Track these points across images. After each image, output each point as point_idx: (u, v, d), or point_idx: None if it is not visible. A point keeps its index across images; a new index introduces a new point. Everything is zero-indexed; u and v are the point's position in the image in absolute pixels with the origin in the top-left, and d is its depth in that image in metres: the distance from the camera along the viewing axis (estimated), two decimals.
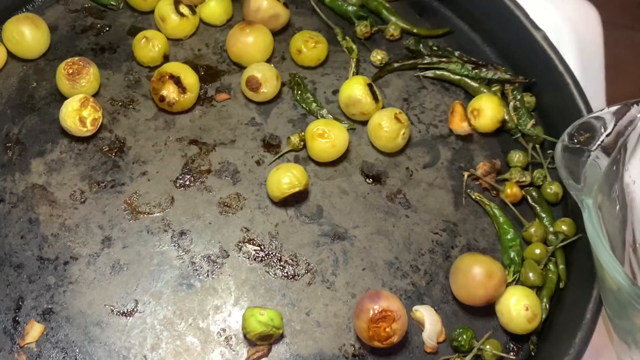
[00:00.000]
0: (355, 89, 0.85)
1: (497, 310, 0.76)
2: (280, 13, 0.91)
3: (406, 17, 0.95)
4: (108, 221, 0.80)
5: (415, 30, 0.94)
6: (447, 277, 0.78)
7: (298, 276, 0.78)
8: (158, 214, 0.81)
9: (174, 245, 0.79)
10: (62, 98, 0.85)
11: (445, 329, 0.76)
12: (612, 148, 0.66)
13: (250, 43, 0.88)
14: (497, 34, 0.92)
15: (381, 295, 0.72)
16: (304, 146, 0.85)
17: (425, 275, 0.79)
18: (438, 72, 0.91)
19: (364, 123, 0.87)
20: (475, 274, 0.74)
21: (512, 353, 0.76)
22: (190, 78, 0.85)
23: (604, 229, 0.63)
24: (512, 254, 0.79)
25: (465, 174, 0.84)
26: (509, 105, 0.88)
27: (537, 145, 0.86)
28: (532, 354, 0.75)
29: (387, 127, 0.83)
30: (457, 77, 0.90)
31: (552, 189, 0.83)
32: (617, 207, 0.67)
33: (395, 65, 0.91)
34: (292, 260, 0.79)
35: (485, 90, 0.89)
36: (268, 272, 0.78)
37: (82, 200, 0.81)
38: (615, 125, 0.67)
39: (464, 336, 0.74)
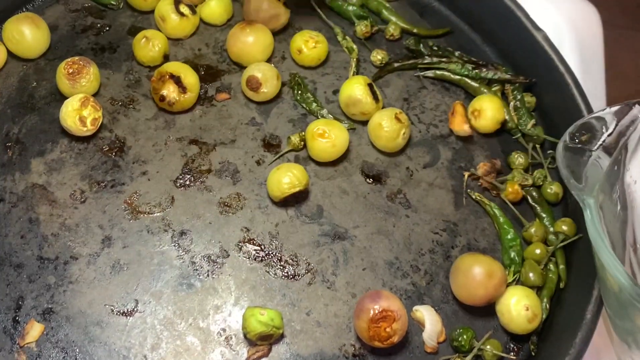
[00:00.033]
0: (355, 89, 0.85)
1: (497, 310, 0.76)
2: (281, 13, 0.91)
3: (406, 17, 0.95)
4: (108, 221, 0.80)
5: (415, 30, 0.94)
6: (448, 277, 0.78)
7: (298, 276, 0.78)
8: (158, 214, 0.81)
9: (174, 245, 0.79)
10: (62, 98, 0.85)
11: (445, 329, 0.76)
12: (614, 148, 0.66)
13: (250, 43, 0.88)
14: (497, 34, 0.92)
15: (381, 295, 0.72)
16: (304, 146, 0.85)
17: (425, 275, 0.79)
18: (438, 72, 0.91)
19: (364, 123, 0.87)
20: (475, 274, 0.74)
21: (512, 353, 0.76)
22: (190, 78, 0.85)
23: (605, 229, 0.63)
24: (513, 254, 0.79)
25: (466, 174, 0.84)
26: (509, 105, 0.88)
27: (538, 146, 0.86)
28: (533, 354, 0.75)
29: (387, 127, 0.83)
30: (458, 77, 0.90)
31: (553, 189, 0.83)
32: (618, 207, 0.67)
33: (396, 65, 0.91)
34: (292, 260, 0.79)
35: (485, 91, 0.89)
36: (268, 272, 0.78)
37: (82, 200, 0.81)
38: (616, 125, 0.67)
39: (464, 336, 0.74)
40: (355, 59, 0.91)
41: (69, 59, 0.85)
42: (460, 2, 0.95)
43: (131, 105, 0.87)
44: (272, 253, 0.79)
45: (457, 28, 0.95)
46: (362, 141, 0.86)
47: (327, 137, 0.82)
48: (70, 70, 0.84)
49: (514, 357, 0.75)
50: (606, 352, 0.78)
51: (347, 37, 0.93)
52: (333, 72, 0.91)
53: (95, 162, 0.83)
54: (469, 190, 0.84)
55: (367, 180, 0.84)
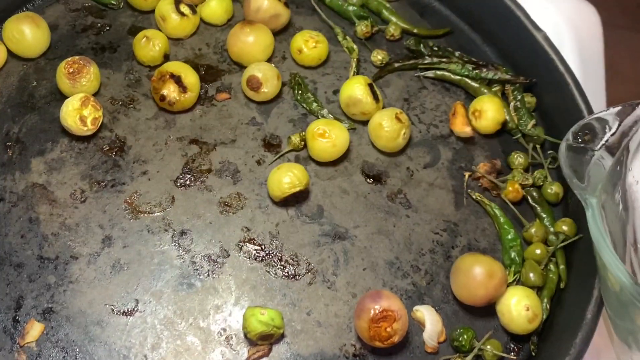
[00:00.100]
0: (355, 89, 0.85)
1: (497, 311, 0.76)
2: (281, 13, 0.91)
3: (406, 17, 0.95)
4: (108, 220, 0.80)
5: (415, 31, 0.94)
6: (448, 277, 0.78)
7: (299, 276, 0.78)
8: (158, 214, 0.81)
9: (175, 245, 0.79)
10: (62, 97, 0.85)
11: (445, 329, 0.76)
12: (616, 148, 0.66)
13: (250, 42, 0.88)
14: (497, 34, 0.92)
15: (382, 295, 0.72)
16: (305, 146, 0.85)
17: (425, 275, 0.79)
18: (438, 72, 0.91)
19: (365, 123, 0.87)
20: (476, 274, 0.74)
21: (512, 353, 0.76)
22: (190, 77, 0.85)
23: (607, 229, 0.63)
24: (513, 254, 0.79)
25: (466, 174, 0.84)
26: (510, 105, 0.88)
27: (538, 146, 0.86)
28: (533, 354, 0.75)
29: (387, 127, 0.83)
30: (458, 77, 0.90)
31: (553, 189, 0.83)
32: (620, 207, 0.67)
33: (396, 65, 0.91)
34: (292, 260, 0.79)
35: (485, 91, 0.89)
36: (269, 271, 0.78)
37: (83, 199, 0.81)
38: (619, 125, 0.67)
39: (465, 336, 0.74)
40: (355, 59, 0.91)
41: (69, 59, 0.85)
42: (461, 2, 0.95)
43: (131, 105, 0.87)
44: (272, 253, 0.79)
45: (458, 28, 0.95)
46: (363, 141, 0.86)
47: (328, 137, 0.82)
48: (71, 70, 0.84)
49: (514, 357, 0.75)
50: (606, 352, 0.78)
51: (347, 37, 0.93)
52: (333, 72, 0.91)
53: (96, 161, 0.83)
54: (469, 190, 0.84)
55: (368, 180, 0.84)
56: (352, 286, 0.78)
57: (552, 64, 0.86)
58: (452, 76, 0.90)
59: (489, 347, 0.74)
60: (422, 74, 0.91)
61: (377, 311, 0.71)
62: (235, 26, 0.89)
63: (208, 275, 0.77)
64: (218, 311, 0.76)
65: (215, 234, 0.80)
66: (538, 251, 0.78)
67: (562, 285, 0.78)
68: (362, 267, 0.79)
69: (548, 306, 0.77)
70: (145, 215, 0.80)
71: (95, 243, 0.79)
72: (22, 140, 0.84)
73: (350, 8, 0.94)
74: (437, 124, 0.88)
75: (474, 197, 0.83)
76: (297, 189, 0.79)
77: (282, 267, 0.78)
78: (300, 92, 0.88)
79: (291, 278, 0.78)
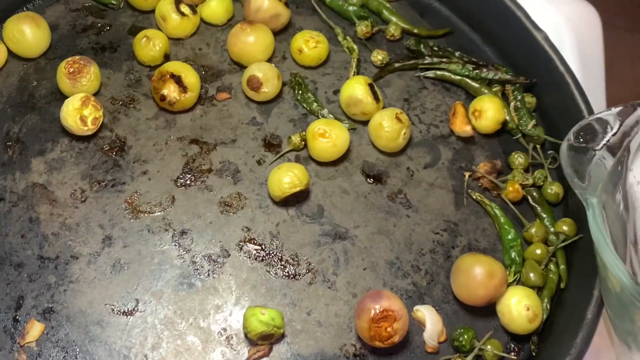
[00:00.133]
0: (356, 89, 0.85)
1: (498, 311, 0.76)
2: (281, 13, 0.91)
3: (407, 18, 0.95)
4: (109, 220, 0.80)
5: (415, 31, 0.94)
6: (448, 277, 0.78)
7: (299, 276, 0.78)
8: (159, 213, 0.81)
9: (175, 245, 0.79)
10: (62, 97, 0.85)
11: (446, 329, 0.76)
12: (618, 148, 0.66)
13: (251, 42, 0.88)
14: (497, 34, 0.92)
15: (382, 295, 0.72)
16: (305, 146, 0.85)
17: (426, 275, 0.79)
18: (439, 72, 0.91)
19: (365, 123, 0.87)
20: (476, 274, 0.74)
21: (513, 353, 0.76)
22: (191, 77, 0.85)
23: (607, 228, 0.63)
24: (513, 254, 0.79)
25: (467, 174, 0.84)
26: (510, 105, 0.88)
27: (538, 146, 0.86)
28: (533, 354, 0.75)
29: (388, 127, 0.83)
30: (458, 77, 0.90)
31: (553, 189, 0.83)
32: (621, 207, 0.67)
33: (396, 65, 0.91)
34: (293, 259, 0.79)
35: (486, 91, 0.89)
36: (269, 271, 0.78)
37: (83, 199, 0.81)
38: (620, 125, 0.67)
39: (465, 336, 0.74)
40: (355, 59, 0.91)
41: (69, 59, 0.85)
42: (461, 2, 0.95)
43: (132, 105, 0.87)
44: (272, 253, 0.79)
45: (458, 29, 0.95)
46: (363, 141, 0.86)
47: (328, 137, 0.82)
48: (71, 70, 0.84)
49: (515, 357, 0.75)
50: (606, 352, 0.78)
51: (347, 37, 0.93)
52: (334, 72, 0.91)
53: (96, 161, 0.83)
54: (469, 190, 0.84)
55: (368, 180, 0.84)
56: (352, 286, 0.78)
57: (552, 64, 0.86)
58: (453, 76, 0.90)
59: (489, 347, 0.74)
60: (423, 74, 0.91)
61: (377, 311, 0.71)
62: (236, 26, 0.89)
63: (208, 275, 0.77)
64: (218, 311, 0.76)
65: (216, 233, 0.80)
66: (538, 251, 0.78)
67: (562, 285, 0.78)
68: (363, 267, 0.79)
69: (548, 306, 0.77)
70: (146, 215, 0.80)
71: (95, 243, 0.79)
72: (22, 140, 0.84)
73: (351, 8, 0.94)
74: (437, 124, 0.88)
75: (474, 197, 0.83)
76: (298, 188, 0.79)
77: (282, 267, 0.78)
78: (300, 92, 0.88)
79: (291, 278, 0.78)
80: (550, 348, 0.74)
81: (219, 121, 0.87)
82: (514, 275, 0.78)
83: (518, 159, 0.84)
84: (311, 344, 0.75)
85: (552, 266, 0.78)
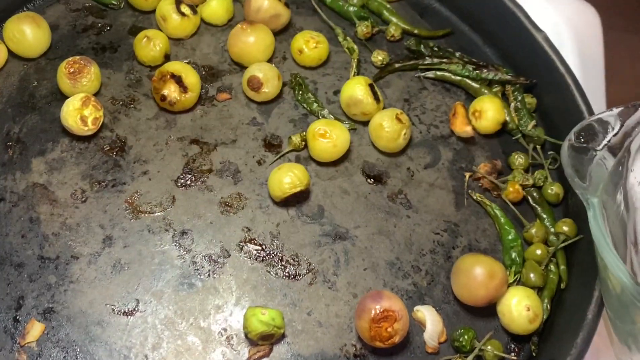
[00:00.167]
0: (356, 89, 0.85)
1: (498, 311, 0.76)
2: (281, 13, 0.91)
3: (407, 18, 0.95)
4: (109, 220, 0.80)
5: (416, 31, 0.94)
6: (449, 277, 0.78)
7: (299, 276, 0.78)
8: (159, 214, 0.81)
9: (175, 245, 0.79)
10: (62, 97, 0.85)
11: (446, 329, 0.76)
12: (619, 148, 0.66)
13: (251, 43, 0.88)
14: (498, 35, 0.92)
15: (383, 295, 0.72)
16: (305, 146, 0.85)
17: (426, 275, 0.79)
18: (439, 72, 0.91)
19: (365, 123, 0.87)
20: (476, 275, 0.74)
21: (513, 354, 0.76)
22: (191, 77, 0.85)
23: (608, 229, 0.63)
24: (513, 255, 0.79)
25: (467, 175, 0.85)
26: (510, 106, 0.88)
27: (538, 146, 0.86)
28: (534, 354, 0.75)
29: (388, 127, 0.83)
30: (458, 78, 0.90)
31: (553, 190, 0.83)
32: (622, 208, 0.67)
33: (396, 65, 0.91)
34: (293, 260, 0.79)
35: (486, 92, 0.89)
36: (269, 271, 0.78)
37: (83, 199, 0.81)
38: (621, 126, 0.67)
39: (465, 336, 0.74)
40: (356, 60, 0.91)
41: (70, 59, 0.85)
42: (461, 3, 0.95)
43: (132, 105, 0.87)
44: (273, 253, 0.79)
45: (458, 29, 0.95)
46: (363, 141, 0.86)
47: (328, 137, 0.82)
48: (71, 70, 0.84)
49: (515, 358, 0.75)
50: (606, 353, 0.78)
51: (347, 38, 0.93)
52: (334, 72, 0.91)
53: (96, 161, 0.83)
54: (469, 190, 0.84)
55: (368, 180, 0.84)
56: (352, 286, 0.78)
57: (552, 64, 0.86)
58: (453, 77, 0.90)
59: (489, 347, 0.74)
60: (423, 74, 0.91)
61: (378, 311, 0.71)
62: (236, 26, 0.89)
63: (209, 275, 0.77)
64: (219, 311, 0.76)
65: (216, 234, 0.80)
66: (539, 251, 0.79)
67: (562, 285, 0.78)
68: (363, 267, 0.79)
69: (549, 306, 0.77)
70: (146, 215, 0.80)
71: (95, 243, 0.78)
72: (22, 140, 0.84)
73: (351, 9, 0.94)
74: (437, 124, 0.88)
75: (475, 197, 0.84)
76: (298, 189, 0.79)
77: (282, 267, 0.78)
78: (300, 92, 0.89)
79: (292, 278, 0.78)
80: (551, 348, 0.74)
81: (220, 121, 0.87)
82: (515, 275, 0.78)
83: (518, 159, 0.85)
84: (311, 344, 0.75)
85: (552, 266, 0.79)
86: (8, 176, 0.82)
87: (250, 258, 0.79)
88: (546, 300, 0.77)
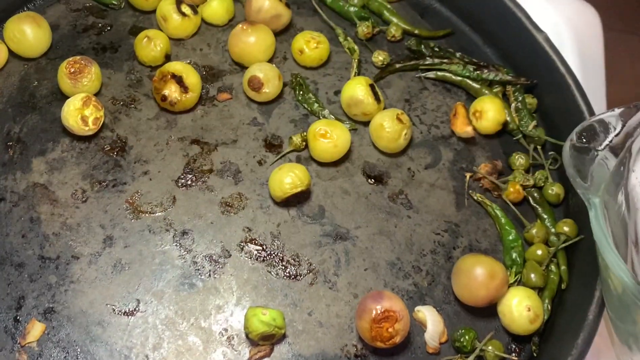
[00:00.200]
0: (357, 90, 0.85)
1: (499, 311, 0.76)
2: (282, 13, 0.91)
3: (407, 18, 0.95)
4: (109, 220, 0.80)
5: (416, 32, 0.94)
6: (449, 277, 0.78)
7: (300, 276, 0.78)
8: (160, 214, 0.81)
9: (176, 245, 0.79)
10: (63, 97, 0.85)
11: (447, 329, 0.76)
12: (620, 149, 0.66)
13: (252, 43, 0.88)
14: (498, 35, 0.92)
15: (384, 296, 0.72)
16: (306, 146, 0.85)
17: (427, 275, 0.79)
18: (439, 73, 0.91)
19: (366, 124, 0.87)
20: (477, 275, 0.74)
21: (514, 354, 0.76)
22: (192, 78, 0.85)
23: (609, 229, 0.63)
24: (514, 255, 0.79)
25: (468, 175, 0.85)
26: (511, 106, 0.88)
27: (539, 147, 0.86)
28: (534, 354, 0.75)
29: (389, 127, 0.83)
30: (459, 78, 0.90)
31: (554, 190, 0.83)
32: (623, 208, 0.67)
33: (397, 66, 0.91)
34: (294, 260, 0.79)
35: (486, 92, 0.89)
36: (270, 272, 0.78)
37: (84, 199, 0.81)
38: (623, 126, 0.67)
39: (466, 337, 0.74)
40: (356, 60, 0.91)
41: (70, 59, 0.85)
42: (461, 3, 0.95)
43: (133, 105, 0.87)
44: (273, 253, 0.79)
45: (458, 29, 0.95)
46: (364, 142, 0.86)
47: (329, 137, 0.82)
48: (72, 70, 0.84)
49: (516, 358, 0.75)
50: (607, 353, 0.78)
51: (348, 38, 0.93)
52: (334, 72, 0.91)
53: (97, 161, 0.83)
54: (470, 191, 0.84)
55: (369, 180, 0.84)
56: (353, 287, 0.78)
57: (553, 65, 0.86)
58: (453, 77, 0.90)
59: (490, 347, 0.74)
60: (423, 74, 0.91)
61: (379, 311, 0.71)
62: (237, 27, 0.89)
63: (209, 275, 0.77)
64: (219, 311, 0.76)
65: (217, 234, 0.80)
66: (539, 252, 0.79)
67: (563, 286, 0.78)
68: (364, 267, 0.79)
69: (549, 307, 0.77)
70: (147, 215, 0.80)
71: (96, 243, 0.78)
72: (23, 140, 0.84)
73: (351, 9, 0.94)
74: (438, 124, 0.88)
75: (475, 197, 0.84)
76: (299, 189, 0.79)
77: (283, 268, 0.78)
78: (301, 92, 0.88)
79: (292, 278, 0.78)
80: (552, 349, 0.74)
81: (220, 121, 0.87)
82: (515, 276, 0.78)
83: (519, 159, 0.85)
84: (312, 344, 0.75)
85: (553, 267, 0.79)
86: (8, 176, 0.82)
87: (251, 258, 0.79)
88: (547, 301, 0.77)
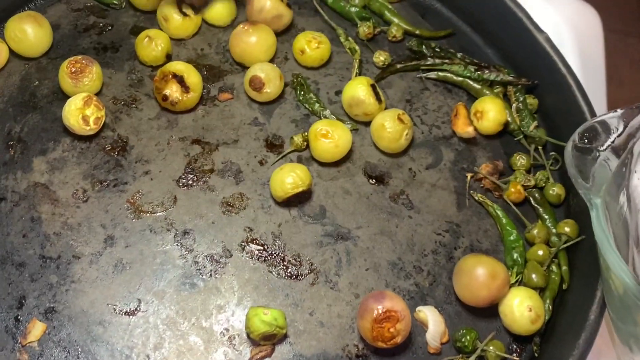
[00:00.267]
0: (358, 90, 0.85)
1: (500, 311, 0.76)
2: (284, 13, 0.91)
3: (408, 19, 0.95)
4: (110, 220, 0.80)
5: (417, 32, 0.94)
6: (451, 278, 0.78)
7: (301, 276, 0.78)
8: (161, 213, 0.80)
9: (177, 245, 0.79)
10: (64, 97, 0.85)
11: (448, 329, 0.76)
12: (622, 150, 0.66)
13: (253, 43, 0.88)
14: (499, 35, 0.92)
15: (385, 296, 0.72)
16: (307, 146, 0.85)
17: (428, 276, 0.79)
18: (441, 73, 0.91)
19: (367, 124, 0.87)
20: (478, 275, 0.74)
21: (515, 354, 0.76)
22: (193, 77, 0.85)
23: (611, 229, 0.63)
24: (515, 255, 0.79)
25: (469, 175, 0.85)
26: (512, 107, 0.88)
27: (540, 147, 0.86)
28: (536, 355, 0.75)
29: (390, 127, 0.83)
30: (460, 78, 0.90)
31: (555, 191, 0.83)
32: (625, 209, 0.67)
33: (398, 66, 0.91)
34: (295, 260, 0.79)
35: (487, 92, 0.89)
36: (271, 272, 0.78)
37: (85, 199, 0.81)
38: (625, 127, 0.67)
39: (468, 337, 0.74)
40: (357, 60, 0.91)
41: (71, 58, 0.85)
42: (462, 4, 0.95)
43: (134, 105, 0.87)
44: (275, 253, 0.79)
45: (459, 30, 0.95)
46: (365, 142, 0.86)
47: (330, 137, 0.82)
48: (73, 69, 0.84)
49: (517, 358, 0.75)
50: (607, 353, 0.78)
51: (349, 38, 0.93)
52: (335, 72, 0.91)
53: (98, 161, 0.83)
54: (471, 191, 0.84)
55: (370, 180, 0.84)
56: (354, 287, 0.78)
57: (554, 65, 0.86)
58: (454, 77, 0.90)
59: (491, 348, 0.74)
60: (425, 75, 0.91)
61: (380, 311, 0.71)
62: (238, 27, 0.89)
63: (210, 275, 0.77)
64: (221, 311, 0.76)
65: (218, 234, 0.80)
66: (540, 252, 0.79)
67: (564, 286, 0.78)
68: (365, 267, 0.79)
69: (550, 307, 0.77)
70: (148, 215, 0.80)
71: (97, 243, 0.78)
72: (24, 139, 0.84)
73: (353, 9, 0.94)
74: (439, 125, 0.88)
75: (476, 198, 0.84)
76: (300, 189, 0.79)
77: (284, 268, 0.78)
78: (302, 92, 0.88)
79: (294, 278, 0.78)
80: (553, 349, 0.74)
81: (221, 121, 0.86)
82: (516, 276, 0.78)
83: (520, 160, 0.85)
84: (313, 344, 0.75)
85: (554, 267, 0.79)
86: (9, 175, 0.81)
87: (252, 258, 0.79)
88: (548, 301, 0.77)
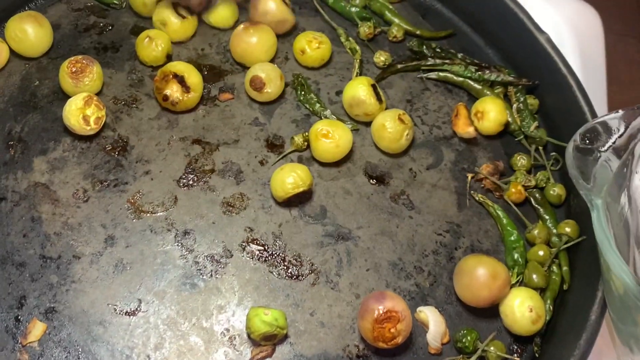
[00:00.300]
0: (359, 90, 0.85)
1: (501, 312, 0.76)
2: (288, 18, 0.91)
3: (409, 19, 0.95)
4: (111, 220, 0.80)
5: (418, 32, 0.94)
6: (451, 278, 0.78)
7: (302, 276, 0.78)
8: (161, 213, 0.80)
9: (178, 245, 0.79)
10: (64, 96, 0.85)
11: (449, 330, 0.76)
12: (624, 150, 0.66)
13: (254, 43, 0.88)
14: (500, 36, 0.92)
15: (386, 296, 0.72)
16: (308, 146, 0.85)
17: (429, 276, 0.79)
18: (441, 73, 0.91)
19: (368, 124, 0.87)
20: (479, 275, 0.74)
21: (516, 355, 0.76)
22: (194, 77, 0.85)
23: (611, 230, 0.63)
24: (516, 256, 0.79)
25: (469, 176, 0.84)
26: (512, 107, 0.88)
27: (540, 148, 0.86)
28: (536, 355, 0.75)
29: (390, 128, 0.83)
30: (461, 79, 0.90)
31: (555, 191, 0.83)
32: (625, 209, 0.67)
33: (399, 66, 0.91)
34: (295, 260, 0.79)
35: (488, 93, 0.89)
36: (272, 272, 0.78)
37: (85, 199, 0.81)
38: (626, 128, 0.67)
39: (468, 337, 0.74)
40: (358, 60, 0.91)
41: (72, 58, 0.85)
42: (463, 4, 0.95)
43: (134, 105, 0.87)
44: (275, 253, 0.79)
45: (460, 30, 0.95)
46: (366, 142, 0.86)
47: (331, 137, 0.82)
48: (74, 69, 0.84)
49: (518, 359, 0.75)
50: (608, 354, 0.78)
51: (350, 39, 0.93)
52: (336, 73, 0.91)
53: (98, 161, 0.83)
54: (472, 191, 0.84)
55: (371, 181, 0.84)
56: (355, 287, 0.78)
57: (554, 65, 0.86)
58: (455, 78, 0.90)
59: (492, 348, 0.74)
60: (425, 75, 0.91)
61: (381, 312, 0.71)
62: (239, 27, 0.89)
63: (211, 275, 0.77)
64: (221, 311, 0.76)
65: (218, 234, 0.80)
66: (541, 252, 0.79)
67: (565, 286, 0.78)
68: (366, 267, 0.79)
69: (551, 307, 0.77)
70: (148, 215, 0.80)
71: (97, 243, 0.78)
72: (24, 139, 0.84)
73: (353, 9, 0.94)
74: (440, 125, 0.88)
75: (477, 198, 0.84)
76: (301, 189, 0.79)
77: (285, 268, 0.78)
78: (303, 92, 0.88)
79: (294, 278, 0.78)
80: (553, 349, 0.74)
81: (222, 121, 0.86)
82: (517, 276, 0.78)
83: (520, 160, 0.85)
84: (314, 344, 0.75)
85: (554, 268, 0.79)
86: (10, 175, 0.81)
87: (252, 258, 0.79)
88: (549, 302, 0.77)
